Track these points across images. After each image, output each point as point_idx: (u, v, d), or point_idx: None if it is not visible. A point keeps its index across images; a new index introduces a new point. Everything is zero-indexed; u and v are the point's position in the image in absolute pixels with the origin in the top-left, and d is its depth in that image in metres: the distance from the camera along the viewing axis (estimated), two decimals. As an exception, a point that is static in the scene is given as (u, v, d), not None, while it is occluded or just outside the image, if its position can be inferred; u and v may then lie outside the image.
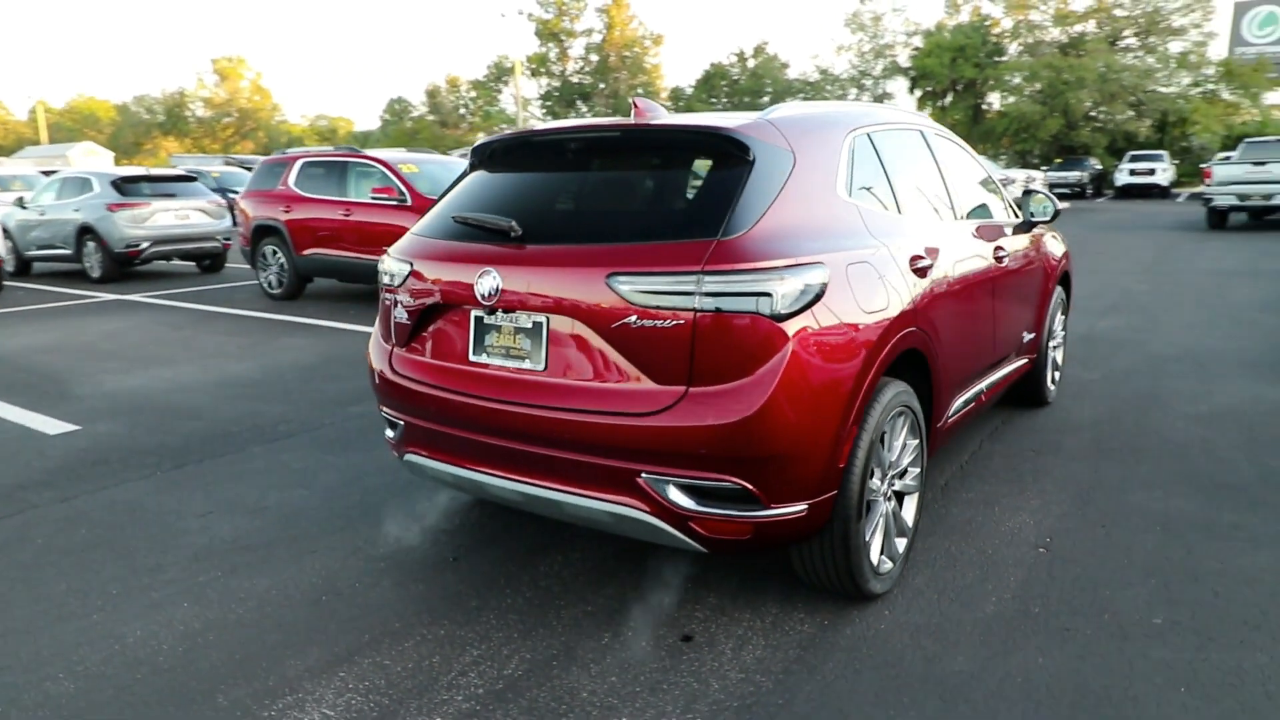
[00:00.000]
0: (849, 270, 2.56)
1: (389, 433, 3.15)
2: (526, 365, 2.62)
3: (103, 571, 3.22)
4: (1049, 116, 35.00)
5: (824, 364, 2.42)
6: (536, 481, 2.61)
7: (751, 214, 2.42)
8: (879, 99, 43.48)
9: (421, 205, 8.75)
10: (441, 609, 2.90)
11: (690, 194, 2.76)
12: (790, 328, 2.33)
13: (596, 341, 2.46)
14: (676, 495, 2.39)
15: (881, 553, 2.83)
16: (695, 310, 2.30)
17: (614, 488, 2.47)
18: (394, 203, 8.91)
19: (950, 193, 3.65)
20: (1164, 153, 30.81)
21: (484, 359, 2.72)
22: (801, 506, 2.43)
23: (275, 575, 3.17)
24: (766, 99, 47.65)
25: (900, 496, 2.99)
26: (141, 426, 5.07)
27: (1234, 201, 16.29)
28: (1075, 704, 2.30)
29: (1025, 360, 4.55)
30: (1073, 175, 30.10)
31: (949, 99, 41.03)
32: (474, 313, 2.74)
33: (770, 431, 2.31)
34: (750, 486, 2.35)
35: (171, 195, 12.52)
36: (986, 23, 40.63)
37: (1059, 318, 5.14)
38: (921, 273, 2.97)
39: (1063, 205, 4.56)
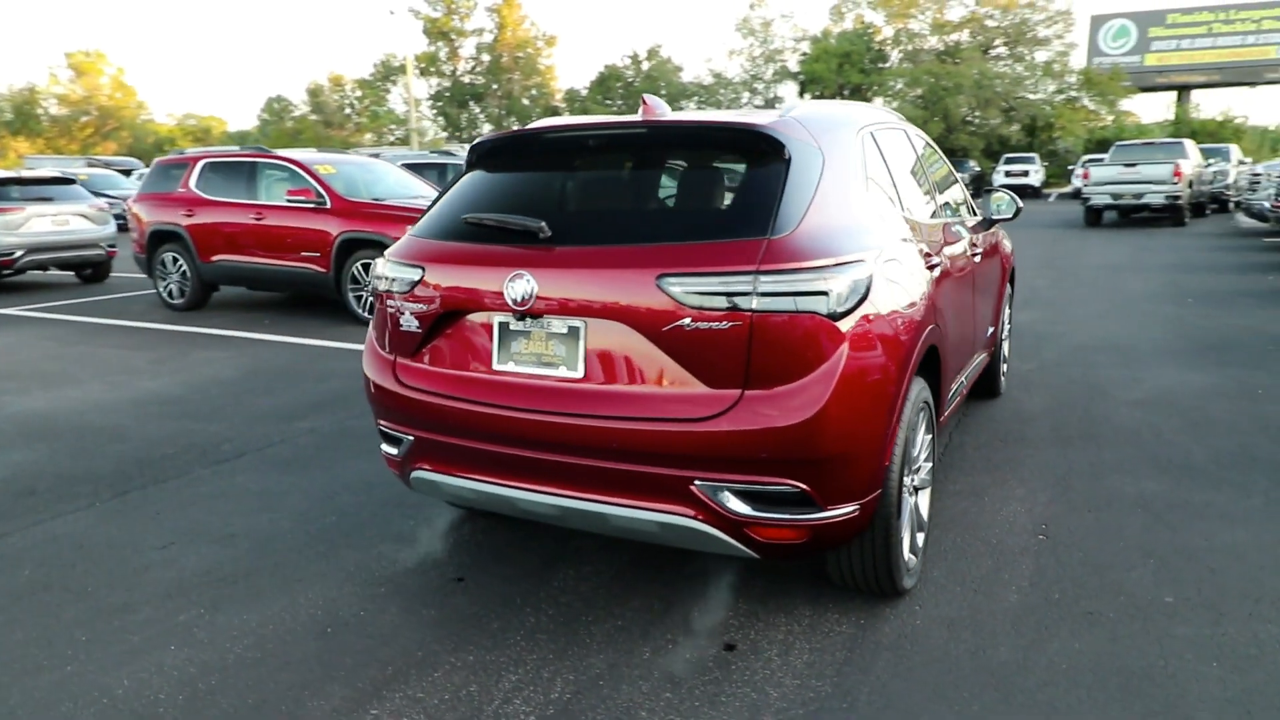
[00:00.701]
0: (884, 268, 2.55)
1: (389, 449, 2.95)
2: (561, 372, 2.49)
3: (63, 616, 2.89)
4: (930, 120, 36.72)
5: (875, 361, 2.40)
6: (575, 494, 2.49)
7: (796, 212, 2.38)
8: (770, 103, 44.61)
9: (342, 208, 8.37)
10: (463, 633, 2.74)
11: (730, 192, 2.70)
12: (844, 326, 2.31)
13: (643, 345, 2.36)
14: (732, 501, 2.33)
15: (909, 549, 2.85)
16: (752, 311, 2.24)
17: (664, 496, 2.38)
18: (312, 205, 8.46)
19: (934, 190, 3.73)
20: (1035, 155, 32.84)
21: (511, 367, 2.58)
22: (854, 507, 2.41)
23: (266, 608, 2.92)
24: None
25: (917, 491, 3.02)
26: (62, 452, 4.60)
27: (1109, 200, 17.52)
28: (1124, 686, 2.37)
29: (986, 354, 4.71)
30: (955, 177, 31.65)
31: (837, 99, 42.45)
32: (498, 318, 2.59)
33: (832, 432, 2.27)
34: (808, 489, 2.31)
35: (48, 199, 11.51)
36: (869, 30, 42.33)
37: (1006, 311, 5.35)
38: (932, 269, 3.01)
39: None
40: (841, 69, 40.94)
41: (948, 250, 3.38)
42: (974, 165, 34.57)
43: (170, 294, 9.59)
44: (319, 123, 60.14)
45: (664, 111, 2.93)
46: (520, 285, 2.47)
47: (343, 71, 73.38)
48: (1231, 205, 20.85)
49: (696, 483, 2.33)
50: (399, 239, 8.56)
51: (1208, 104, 41.09)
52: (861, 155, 2.90)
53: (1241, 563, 3.06)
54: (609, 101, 50.10)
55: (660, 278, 2.30)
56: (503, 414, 2.54)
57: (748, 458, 2.28)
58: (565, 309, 2.44)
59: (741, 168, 2.63)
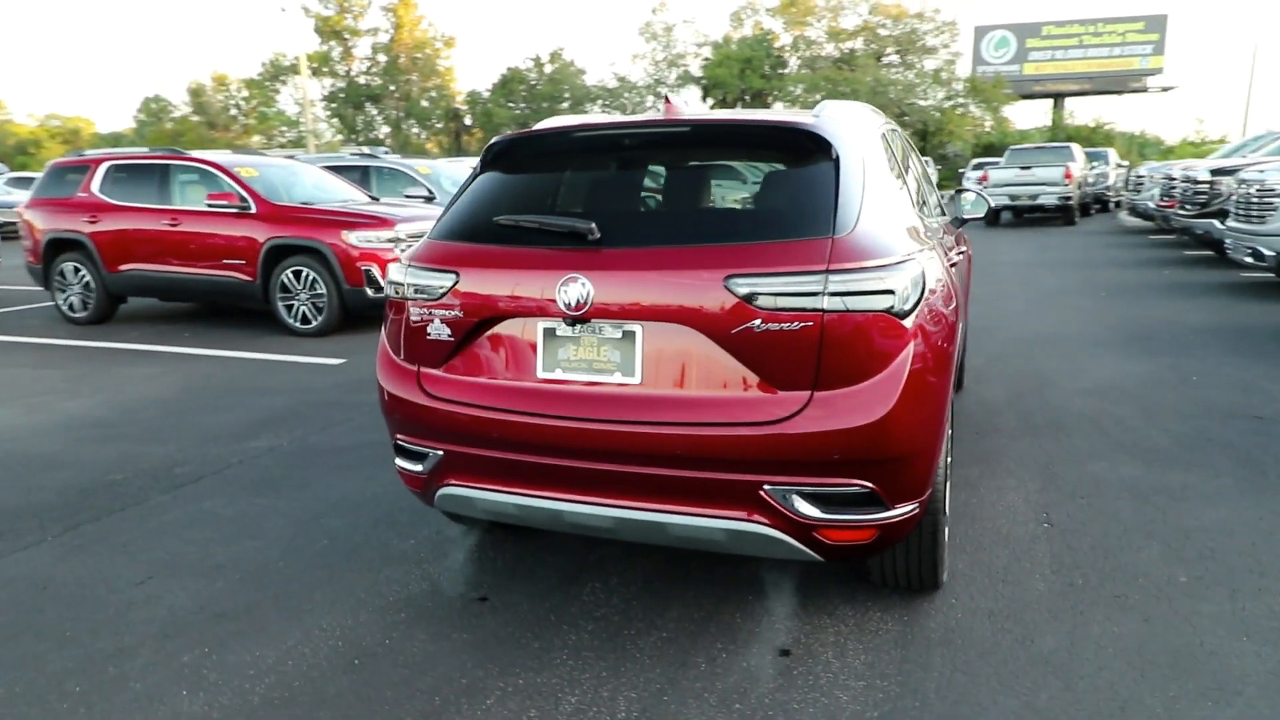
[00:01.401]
0: (928, 265, 2.57)
1: (410, 465, 2.78)
2: (616, 378, 2.40)
3: (46, 666, 2.60)
4: (829, 125, 37.90)
5: (932, 357, 2.41)
6: (632, 504, 2.40)
7: (852, 211, 2.37)
8: (674, 107, 45.00)
9: (268, 212, 7.94)
10: (504, 656, 2.60)
11: (783, 192, 2.66)
12: (908, 324, 2.31)
13: (707, 348, 2.29)
14: (802, 505, 2.29)
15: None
16: (823, 311, 2.21)
17: (730, 503, 2.32)
18: (235, 210, 8.00)
19: (926, 189, 3.81)
20: (929, 159, 34.35)
21: (558, 374, 2.46)
22: (915, 505, 2.41)
23: (278, 643, 2.70)
24: (566, 104, 47.92)
25: (940, 486, 3.06)
26: (-9, 483, 4.17)
27: (1007, 201, 18.46)
28: (1173, 665, 2.45)
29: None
30: (856, 179, 32.74)
31: (739, 108, 43.34)
32: (543, 324, 2.47)
33: (901, 430, 2.26)
34: (876, 488, 2.29)
35: (-81, 206, 10.51)
36: (769, 36, 43.37)
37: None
38: (951, 267, 3.06)
39: None
40: (743, 74, 41.81)
41: (951, 248, 3.45)
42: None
43: (71, 307, 8.90)
44: (202, 124, 57.24)
45: (683, 111, 2.88)
46: (575, 289, 2.36)
47: (227, 70, 69.95)
48: (1113, 205, 22.34)
49: (766, 487, 2.28)
50: (334, 245, 8.15)
51: (1081, 111, 43.86)
52: (886, 155, 2.92)
53: (1234, 539, 3.23)
54: (512, 105, 49.53)
55: (729, 278, 2.24)
56: (550, 424, 2.42)
57: (819, 460, 2.25)
58: (622, 313, 2.35)
59: (789, 167, 2.60)
